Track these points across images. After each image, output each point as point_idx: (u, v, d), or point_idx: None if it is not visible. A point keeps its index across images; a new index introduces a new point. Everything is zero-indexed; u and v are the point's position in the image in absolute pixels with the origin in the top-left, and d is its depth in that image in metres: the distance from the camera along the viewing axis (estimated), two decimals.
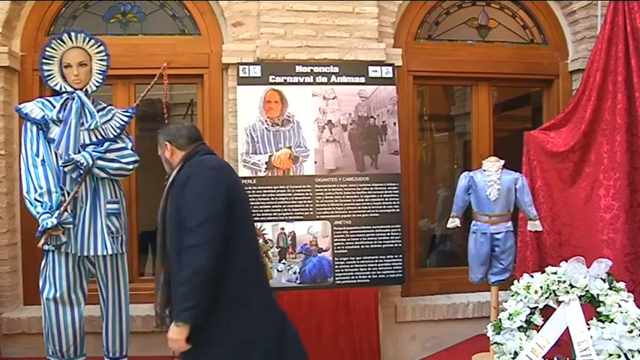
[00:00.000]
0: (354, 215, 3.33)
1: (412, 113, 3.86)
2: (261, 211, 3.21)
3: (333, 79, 3.43)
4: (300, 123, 3.36)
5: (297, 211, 3.28)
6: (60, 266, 2.75)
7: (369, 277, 3.31)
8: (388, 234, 3.34)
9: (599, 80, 3.35)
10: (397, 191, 3.39)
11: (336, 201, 3.32)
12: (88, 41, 2.86)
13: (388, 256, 3.33)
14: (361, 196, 3.35)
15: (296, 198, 3.28)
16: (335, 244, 3.29)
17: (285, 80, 3.38)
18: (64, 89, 2.82)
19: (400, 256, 3.35)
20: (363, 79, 3.45)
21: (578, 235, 3.45)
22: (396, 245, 3.35)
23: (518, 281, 2.67)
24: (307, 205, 3.29)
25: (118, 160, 2.82)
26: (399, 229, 3.36)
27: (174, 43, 3.61)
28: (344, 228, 3.31)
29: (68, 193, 2.73)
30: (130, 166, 2.89)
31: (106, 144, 2.83)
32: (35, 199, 2.65)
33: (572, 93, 3.90)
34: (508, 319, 2.56)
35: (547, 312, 2.57)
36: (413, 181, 3.85)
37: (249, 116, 3.31)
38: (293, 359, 2.26)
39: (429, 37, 3.95)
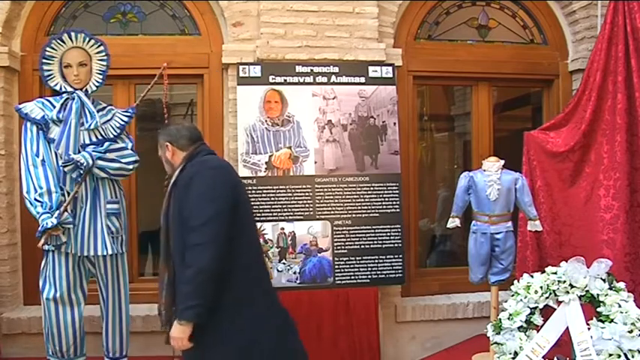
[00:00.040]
0: (354, 215, 3.33)
1: (412, 113, 3.86)
2: (261, 211, 3.22)
3: (333, 79, 3.43)
4: (300, 123, 3.36)
5: (297, 211, 3.28)
6: (60, 266, 2.75)
7: (369, 277, 3.31)
8: (388, 234, 3.34)
9: (599, 80, 3.35)
10: (397, 191, 3.39)
11: (336, 201, 3.32)
12: (88, 41, 2.86)
13: (388, 256, 3.33)
14: (361, 196, 3.35)
15: (296, 198, 3.28)
16: (335, 244, 3.29)
17: (285, 80, 3.38)
18: (64, 89, 2.82)
19: (400, 256, 3.35)
20: (363, 79, 3.45)
21: (578, 235, 3.45)
22: (396, 245, 3.35)
23: (518, 281, 2.67)
24: (307, 205, 3.29)
25: (118, 160, 2.82)
26: (399, 229, 3.36)
27: (174, 43, 3.61)
28: (344, 228, 3.31)
29: (68, 193, 2.73)
30: (130, 166, 2.88)
31: (106, 144, 2.83)
32: (35, 199, 2.65)
33: (572, 93, 3.90)
34: (508, 319, 2.56)
35: (547, 312, 2.57)
36: (413, 181, 3.85)
37: (249, 116, 3.32)
38: (293, 359, 2.26)
39: (429, 37, 3.95)
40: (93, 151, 2.75)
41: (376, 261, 3.32)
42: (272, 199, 3.26)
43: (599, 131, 3.39)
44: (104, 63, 2.91)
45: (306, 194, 3.30)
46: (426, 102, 5.51)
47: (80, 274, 2.84)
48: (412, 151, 3.84)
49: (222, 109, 3.59)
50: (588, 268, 2.49)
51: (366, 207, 3.34)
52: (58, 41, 2.81)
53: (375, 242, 3.33)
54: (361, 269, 3.30)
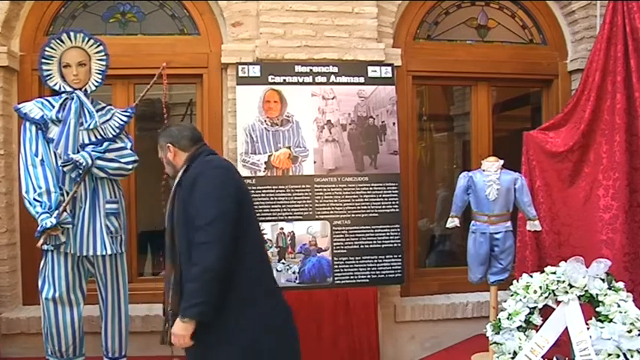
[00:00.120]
0: (353, 215, 3.33)
1: (411, 113, 3.86)
2: (260, 210, 3.21)
3: (333, 79, 3.43)
4: (299, 123, 3.36)
5: (297, 211, 3.28)
6: (59, 266, 2.75)
7: (369, 277, 3.31)
8: (387, 234, 3.34)
9: (598, 80, 3.35)
10: (396, 191, 3.39)
11: (336, 201, 3.32)
12: (87, 41, 2.86)
13: (387, 256, 3.33)
14: (360, 196, 3.35)
15: (295, 198, 3.28)
16: (334, 244, 3.30)
17: (285, 80, 3.38)
18: (63, 89, 2.82)
19: (399, 256, 3.35)
20: (362, 79, 3.45)
21: (578, 235, 3.45)
22: (395, 245, 3.35)
23: (517, 281, 2.67)
24: (306, 205, 3.29)
25: (117, 160, 2.82)
26: (399, 229, 3.36)
27: (174, 42, 3.61)
28: (343, 228, 3.31)
29: (67, 193, 2.73)
30: (129, 166, 2.88)
31: (105, 144, 2.83)
32: (34, 199, 2.64)
33: (571, 93, 3.90)
34: (507, 318, 2.56)
35: (546, 312, 2.57)
36: (412, 181, 3.85)
37: (248, 116, 3.31)
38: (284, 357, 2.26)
39: (428, 37, 3.95)
40: (92, 150, 2.75)
41: (375, 261, 3.32)
42: (271, 198, 3.26)
43: (598, 131, 3.39)
44: (103, 63, 2.91)
45: (306, 194, 3.30)
46: (425, 102, 5.52)
47: (79, 274, 2.84)
48: (411, 151, 3.84)
49: (221, 108, 3.59)
50: (587, 268, 2.49)
51: (365, 207, 3.34)
52: (57, 41, 2.81)
53: (375, 242, 3.33)
54: (360, 269, 3.30)
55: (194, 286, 2.03)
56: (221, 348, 2.11)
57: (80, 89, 2.82)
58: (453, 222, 3.22)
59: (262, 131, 3.32)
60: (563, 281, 2.49)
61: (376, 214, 3.35)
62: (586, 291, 2.46)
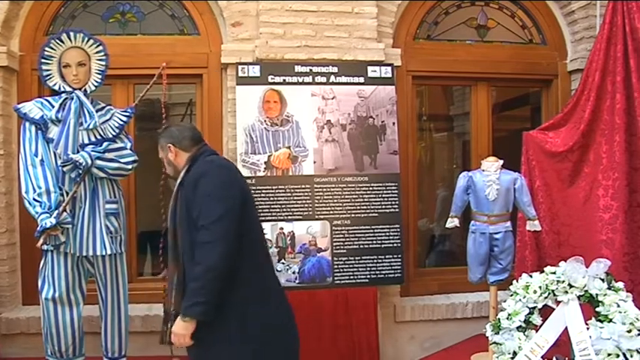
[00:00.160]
0: (353, 215, 3.33)
1: (411, 113, 3.86)
2: (260, 210, 3.21)
3: (332, 79, 3.43)
4: (299, 123, 3.36)
5: (296, 211, 3.28)
6: (59, 266, 2.75)
7: (368, 277, 3.31)
8: (387, 234, 3.34)
9: (598, 80, 3.35)
10: (396, 191, 3.39)
11: (335, 201, 3.32)
12: (87, 41, 2.86)
13: (387, 256, 3.33)
14: (360, 196, 3.35)
15: (295, 198, 3.28)
16: (334, 243, 3.30)
17: (284, 80, 3.38)
18: (62, 89, 2.82)
19: (399, 255, 3.35)
20: (362, 79, 3.46)
21: (577, 235, 3.45)
22: (395, 245, 3.35)
23: (517, 281, 2.66)
24: (306, 205, 3.29)
25: (117, 160, 2.82)
26: (398, 229, 3.36)
27: (173, 42, 3.61)
28: (343, 228, 3.31)
29: (67, 193, 2.73)
30: (129, 166, 2.88)
31: (105, 144, 2.83)
32: (34, 199, 2.64)
33: (570, 93, 3.90)
34: (507, 318, 2.55)
35: (546, 312, 2.57)
36: (412, 181, 3.85)
37: (248, 116, 3.31)
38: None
39: (428, 37, 3.95)
40: (92, 150, 2.75)
41: (375, 261, 3.32)
42: (271, 198, 3.26)
43: (597, 131, 3.39)
44: (103, 63, 2.91)
45: (305, 194, 3.30)
46: (425, 102, 5.51)
47: (79, 274, 2.84)
48: (411, 151, 3.85)
49: (221, 109, 3.59)
50: (587, 267, 2.49)
51: (365, 207, 3.34)
52: (57, 41, 2.81)
53: (374, 242, 3.33)
54: (360, 269, 3.31)
55: (196, 285, 2.03)
56: (222, 348, 2.11)
57: (80, 89, 2.82)
58: (452, 222, 3.21)
59: (262, 131, 3.32)
60: (563, 281, 2.49)
61: (376, 214, 3.35)
62: (586, 291, 2.46)
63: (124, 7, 3.65)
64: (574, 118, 3.49)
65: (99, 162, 2.74)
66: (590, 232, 3.36)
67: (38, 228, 2.60)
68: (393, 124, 3.46)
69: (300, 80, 3.39)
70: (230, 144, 3.50)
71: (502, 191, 3.08)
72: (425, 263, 4.91)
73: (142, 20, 3.66)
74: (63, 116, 2.75)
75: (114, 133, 2.89)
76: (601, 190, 3.34)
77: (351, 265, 3.30)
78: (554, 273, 2.53)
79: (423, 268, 4.32)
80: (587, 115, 3.38)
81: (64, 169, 2.68)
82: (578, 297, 2.47)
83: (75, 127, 2.74)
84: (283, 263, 3.23)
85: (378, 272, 3.32)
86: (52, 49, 2.80)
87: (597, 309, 2.42)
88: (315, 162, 3.34)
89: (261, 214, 3.20)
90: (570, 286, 2.48)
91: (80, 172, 2.70)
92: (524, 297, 2.55)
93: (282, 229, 3.25)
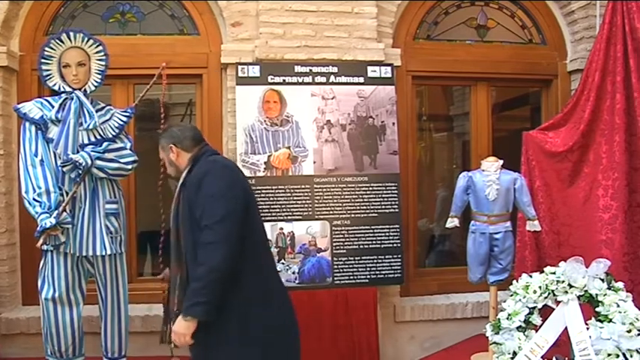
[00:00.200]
0: (352, 215, 3.33)
1: (411, 113, 3.86)
2: (260, 211, 3.20)
3: (332, 79, 3.43)
4: (299, 123, 3.36)
5: (296, 211, 3.28)
6: (59, 266, 2.75)
7: (368, 277, 3.31)
8: (387, 234, 3.34)
9: (598, 80, 3.35)
10: (396, 191, 3.39)
11: (335, 201, 3.32)
12: (87, 41, 2.86)
13: (387, 256, 3.33)
14: (360, 196, 3.35)
15: (295, 198, 3.28)
16: (334, 244, 3.29)
17: (284, 80, 3.38)
18: (62, 89, 2.82)
19: (399, 256, 3.35)
20: (361, 79, 3.46)
21: (577, 235, 3.45)
22: (394, 245, 3.35)
23: (517, 281, 2.67)
24: (306, 205, 3.29)
25: (117, 160, 2.82)
26: (398, 229, 3.36)
27: (173, 43, 3.60)
28: (343, 228, 3.31)
29: (67, 193, 2.73)
30: (129, 166, 2.88)
31: (105, 144, 2.82)
32: (34, 199, 2.64)
33: (570, 93, 3.90)
34: (507, 319, 2.55)
35: (546, 312, 2.57)
36: (412, 181, 3.85)
37: (248, 116, 3.31)
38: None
39: (427, 37, 3.95)
40: (92, 151, 2.75)
41: (375, 261, 3.32)
42: (271, 199, 3.26)
43: (597, 131, 3.39)
44: (103, 63, 2.91)
45: (305, 194, 3.30)
46: (424, 102, 5.52)
47: (79, 274, 2.84)
48: (411, 151, 3.84)
49: (220, 109, 3.59)
50: (587, 268, 2.49)
51: (364, 207, 3.34)
52: (57, 41, 2.81)
53: (374, 242, 3.33)
54: (360, 269, 3.30)
55: (198, 285, 2.03)
56: (224, 349, 2.11)
57: (80, 89, 2.82)
58: (452, 222, 3.21)
59: (262, 131, 3.32)
60: (563, 281, 2.49)
61: (376, 214, 3.35)
62: (585, 291, 2.46)
63: (124, 7, 3.65)
64: (574, 118, 3.49)
65: (99, 162, 2.74)
66: (590, 232, 3.36)
67: (38, 228, 2.60)
68: (393, 124, 3.46)
69: (300, 80, 3.39)
70: (230, 144, 3.50)
71: (502, 191, 3.08)
72: (425, 263, 4.90)
73: (142, 20, 3.66)
74: (63, 116, 2.75)
75: (114, 134, 2.89)
76: (601, 190, 3.34)
77: (350, 266, 3.30)
78: (554, 273, 2.53)
79: (422, 268, 4.32)
80: (586, 115, 3.38)
81: (64, 169, 2.68)
82: (578, 297, 2.47)
83: (75, 127, 2.74)
84: (283, 263, 3.23)
85: (377, 272, 3.32)
86: (52, 49, 2.80)
87: (597, 309, 2.42)
88: (314, 162, 3.34)
89: (261, 215, 3.19)
90: (570, 286, 2.48)
91: (80, 172, 2.69)
92: (524, 297, 2.55)
93: (281, 229, 3.25)
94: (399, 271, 3.35)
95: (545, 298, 2.53)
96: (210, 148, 2.36)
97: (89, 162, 2.69)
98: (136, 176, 3.54)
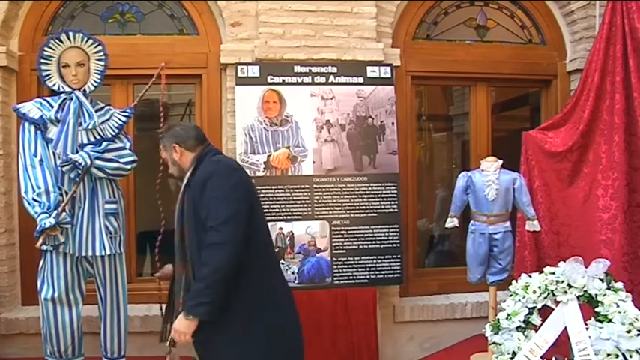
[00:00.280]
0: (352, 215, 3.33)
1: (410, 113, 3.86)
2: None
3: (332, 79, 3.43)
4: (298, 123, 3.36)
5: (296, 211, 3.28)
6: (58, 266, 2.75)
7: (368, 277, 3.31)
8: (386, 234, 3.34)
9: (597, 80, 3.36)
10: (395, 191, 3.39)
11: (335, 201, 3.32)
12: (86, 41, 2.86)
13: (386, 256, 3.33)
14: (359, 196, 3.35)
15: (294, 198, 3.28)
16: (333, 244, 3.29)
17: (284, 80, 3.38)
18: (62, 89, 2.81)
19: (398, 256, 3.35)
20: (361, 79, 3.46)
21: (577, 235, 3.45)
22: (394, 245, 3.35)
23: (516, 281, 2.67)
24: (305, 205, 3.29)
25: (116, 160, 2.82)
26: (398, 229, 3.36)
27: (173, 42, 3.61)
28: (342, 228, 3.31)
29: (66, 193, 2.73)
30: (129, 166, 2.88)
31: (104, 144, 2.82)
32: (33, 199, 2.64)
33: (570, 93, 3.90)
34: (506, 319, 2.55)
35: (545, 312, 2.57)
36: (411, 181, 3.85)
37: (247, 116, 3.31)
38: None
39: (427, 37, 3.95)
40: (91, 151, 2.74)
41: (374, 261, 3.32)
42: (270, 199, 3.26)
43: (597, 131, 3.39)
44: (102, 63, 2.90)
45: (305, 194, 3.30)
46: (424, 102, 5.52)
47: (78, 274, 2.84)
48: (410, 151, 3.85)
49: (220, 109, 3.59)
50: (586, 268, 2.49)
51: (364, 207, 3.34)
52: (56, 41, 2.80)
53: (374, 242, 3.33)
54: (359, 269, 3.30)
55: (202, 285, 2.03)
56: (227, 349, 2.11)
57: (79, 89, 2.82)
58: (452, 222, 3.22)
59: (261, 131, 3.32)
60: (562, 281, 2.49)
61: (375, 214, 3.35)
62: (585, 291, 2.46)
63: (124, 7, 3.65)
64: (573, 119, 3.49)
65: (98, 162, 2.73)
66: (590, 232, 3.37)
67: (37, 228, 2.60)
68: (393, 124, 3.46)
69: (300, 80, 3.39)
70: (229, 144, 3.49)
71: (501, 191, 3.09)
72: (424, 263, 4.91)
73: (142, 20, 3.66)
74: (62, 116, 2.74)
75: (113, 134, 2.89)
76: (600, 190, 3.34)
77: (350, 266, 3.30)
78: (554, 273, 2.53)
79: (422, 268, 4.32)
80: (586, 116, 3.38)
81: (64, 169, 2.68)
82: (578, 297, 2.47)
83: (74, 128, 2.74)
84: (282, 263, 3.22)
85: (377, 272, 3.32)
86: (52, 49, 2.80)
87: (596, 309, 2.42)
88: (314, 162, 3.34)
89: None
90: (569, 286, 2.48)
91: (79, 172, 2.69)
92: (524, 297, 2.55)
93: (281, 229, 3.25)
94: (398, 271, 3.35)
95: (545, 298, 2.52)
96: (214, 148, 2.36)
97: (88, 162, 2.69)
98: (135, 176, 3.54)
